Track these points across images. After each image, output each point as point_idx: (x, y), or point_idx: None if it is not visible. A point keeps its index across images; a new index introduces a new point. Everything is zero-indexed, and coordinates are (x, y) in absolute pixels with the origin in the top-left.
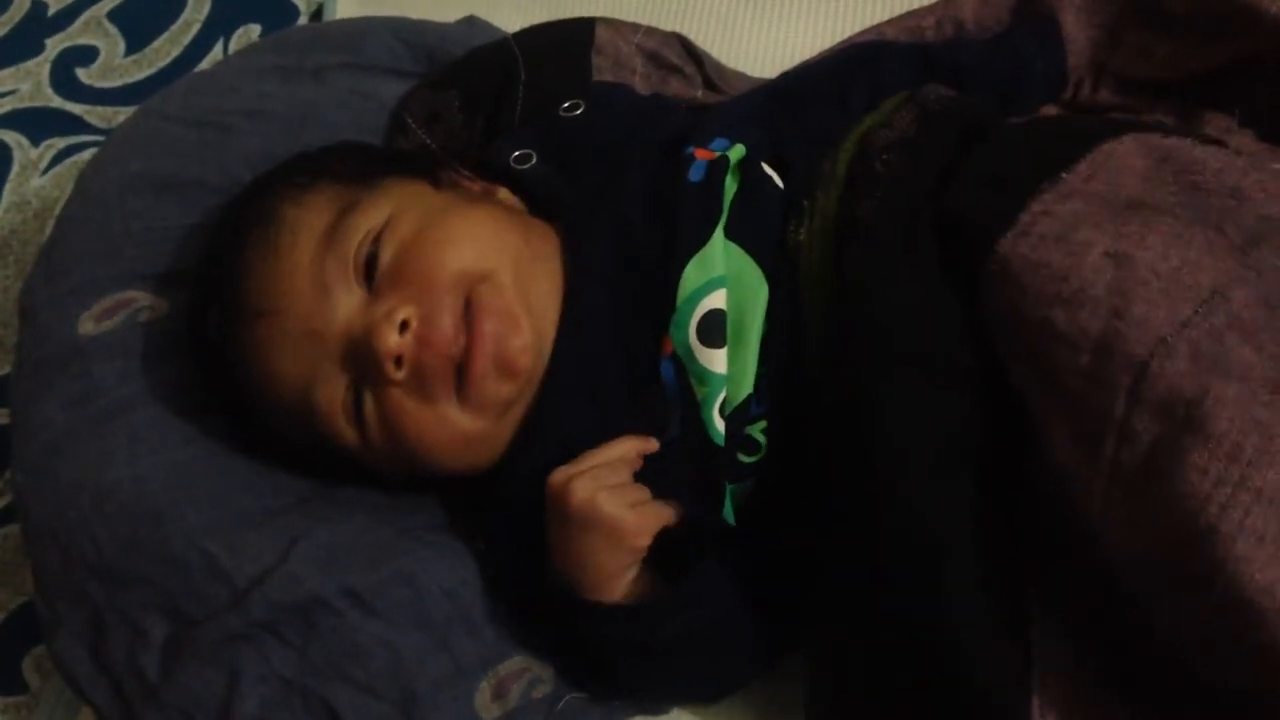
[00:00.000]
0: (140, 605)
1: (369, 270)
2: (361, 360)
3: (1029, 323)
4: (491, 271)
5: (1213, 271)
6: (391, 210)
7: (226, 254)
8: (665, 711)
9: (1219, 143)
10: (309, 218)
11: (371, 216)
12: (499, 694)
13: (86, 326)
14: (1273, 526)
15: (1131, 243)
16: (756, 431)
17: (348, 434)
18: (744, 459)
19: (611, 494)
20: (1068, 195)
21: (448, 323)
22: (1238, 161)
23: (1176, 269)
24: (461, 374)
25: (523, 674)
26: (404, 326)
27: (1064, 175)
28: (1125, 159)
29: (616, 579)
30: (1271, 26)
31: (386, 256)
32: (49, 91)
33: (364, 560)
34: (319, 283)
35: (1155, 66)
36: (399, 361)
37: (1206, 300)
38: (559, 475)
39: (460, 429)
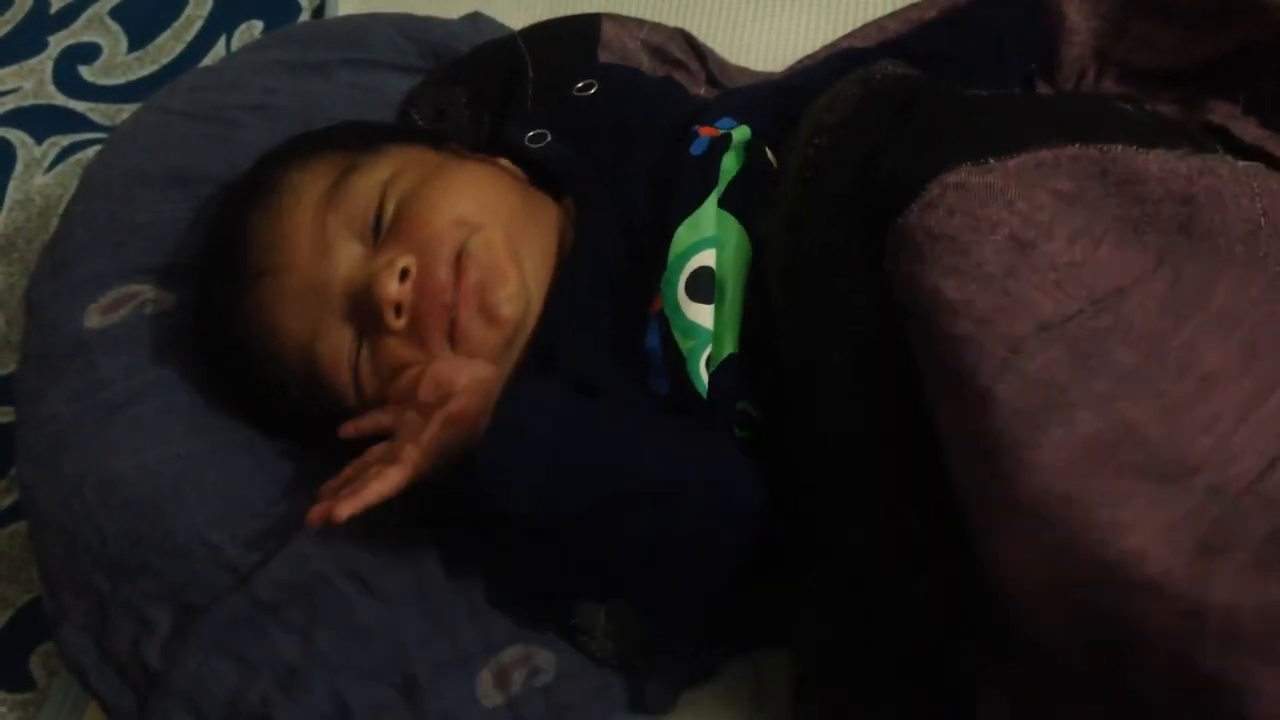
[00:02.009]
0: (145, 596)
1: (374, 227)
2: (363, 311)
3: (921, 289)
4: (484, 225)
5: (1116, 274)
6: (393, 169)
7: (231, 222)
8: (668, 710)
9: (1223, 130)
10: (311, 180)
11: (373, 175)
12: (501, 681)
13: (93, 320)
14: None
15: (1039, 231)
16: (749, 406)
17: (350, 389)
18: (738, 433)
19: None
20: (987, 170)
21: (443, 272)
22: (1183, 166)
23: (1077, 265)
24: (450, 323)
25: (525, 661)
26: (404, 275)
27: (990, 160)
28: (1063, 167)
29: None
30: (1275, 14)
31: (389, 211)
32: (52, 89)
33: (368, 542)
34: (321, 239)
35: (1159, 55)
36: (399, 310)
37: (1098, 300)
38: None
39: None
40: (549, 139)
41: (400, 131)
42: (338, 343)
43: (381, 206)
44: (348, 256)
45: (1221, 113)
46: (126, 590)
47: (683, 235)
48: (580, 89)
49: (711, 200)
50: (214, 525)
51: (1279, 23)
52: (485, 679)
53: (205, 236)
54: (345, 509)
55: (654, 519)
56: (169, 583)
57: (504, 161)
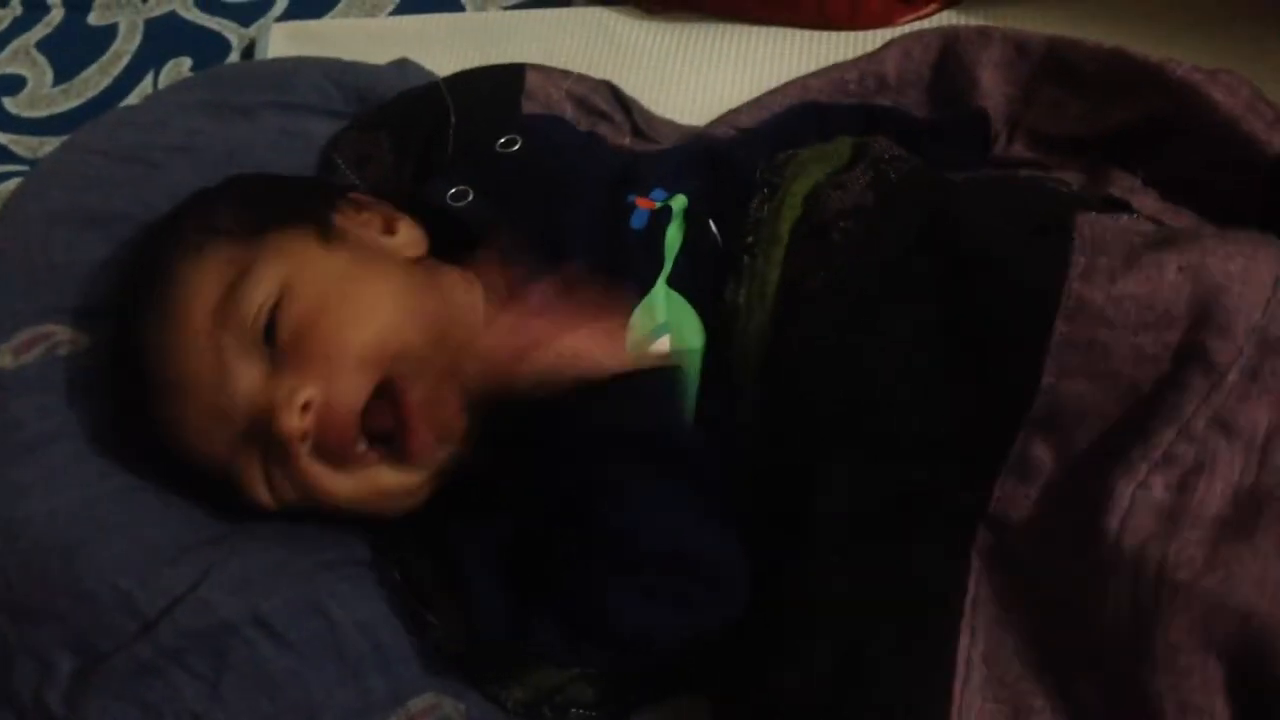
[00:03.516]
0: (48, 641)
1: (268, 336)
2: (268, 435)
3: (1114, 352)
4: (404, 349)
5: (1268, 264)
6: (284, 278)
7: (131, 324)
8: None
9: (1125, 203)
10: (202, 284)
11: (263, 286)
12: None
13: (4, 360)
14: None
15: (1197, 254)
16: None
17: (265, 497)
18: None
19: None
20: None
21: (354, 407)
22: None
23: (1244, 268)
24: (393, 441)
25: (433, 711)
26: (306, 406)
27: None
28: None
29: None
30: (1177, 87)
31: (285, 329)
32: None
33: (278, 589)
34: (217, 360)
35: (1067, 123)
36: (304, 436)
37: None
38: None
39: (382, 485)
40: (471, 197)
41: (289, 208)
42: (248, 460)
43: (275, 321)
44: (247, 377)
45: (1122, 185)
46: (30, 634)
47: (638, 321)
48: (503, 144)
49: (661, 282)
50: (123, 571)
51: (1182, 96)
52: None
53: (113, 316)
54: None
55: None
56: (74, 628)
57: (404, 229)
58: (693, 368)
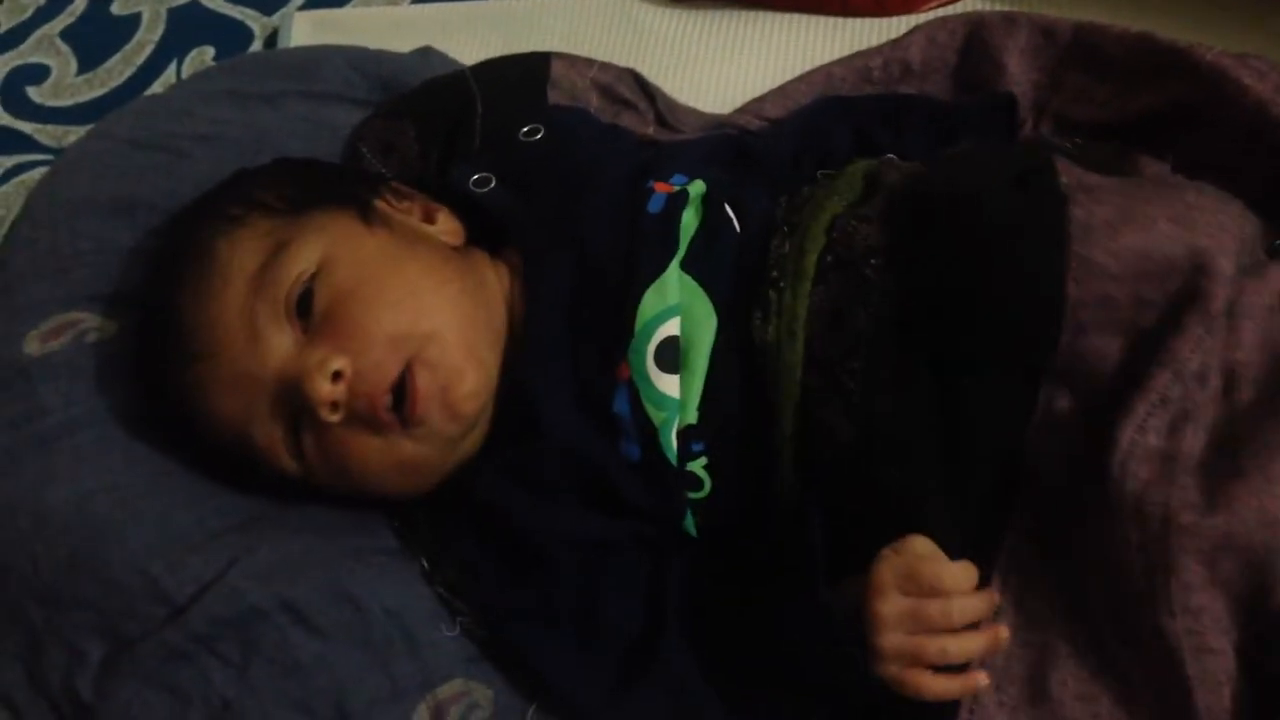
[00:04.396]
0: (78, 627)
1: (301, 309)
2: (296, 401)
3: (1121, 302)
4: (434, 332)
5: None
6: (323, 253)
7: (164, 290)
8: None
9: None
10: (240, 257)
11: (302, 259)
12: (436, 716)
13: (33, 346)
14: None
15: (1181, 206)
16: (699, 468)
17: (289, 465)
18: (691, 495)
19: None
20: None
21: (384, 381)
22: None
23: (1221, 223)
24: (405, 415)
25: (461, 698)
26: (337, 375)
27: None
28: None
29: None
30: (1206, 71)
31: (321, 302)
32: None
33: (306, 576)
34: (250, 327)
35: (1094, 108)
36: (334, 405)
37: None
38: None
39: (403, 456)
40: (494, 184)
41: (331, 190)
42: (272, 426)
43: (311, 293)
44: (279, 345)
45: (1151, 171)
46: (59, 621)
47: (649, 303)
48: (526, 133)
49: (674, 265)
50: (151, 556)
51: (1210, 81)
52: (421, 714)
53: (145, 292)
54: None
55: None
56: (103, 614)
57: (443, 219)
58: (703, 347)
